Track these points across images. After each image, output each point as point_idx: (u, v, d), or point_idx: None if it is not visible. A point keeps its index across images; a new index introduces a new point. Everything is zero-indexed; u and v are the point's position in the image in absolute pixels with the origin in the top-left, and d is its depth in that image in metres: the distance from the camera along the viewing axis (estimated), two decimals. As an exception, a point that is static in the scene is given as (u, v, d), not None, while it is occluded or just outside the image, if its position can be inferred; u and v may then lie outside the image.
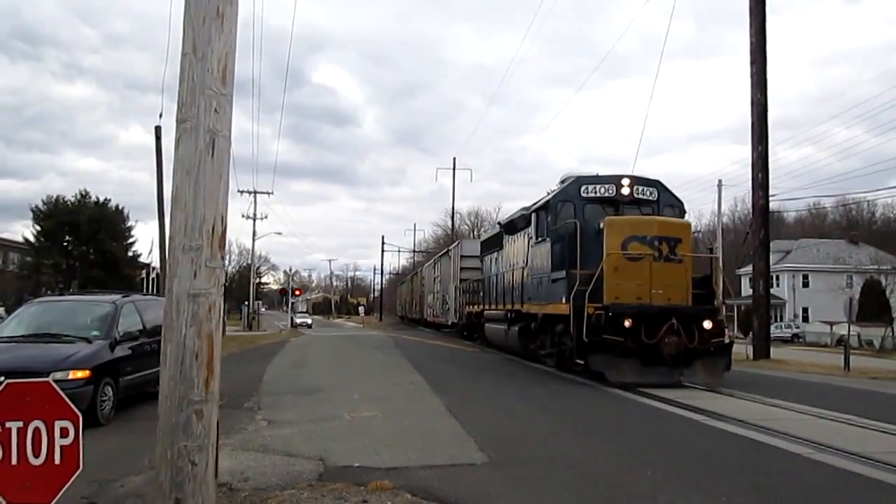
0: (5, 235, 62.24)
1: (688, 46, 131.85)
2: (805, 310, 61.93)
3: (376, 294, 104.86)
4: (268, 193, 53.91)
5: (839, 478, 6.84)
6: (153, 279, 45.79)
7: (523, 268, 18.64)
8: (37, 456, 3.48)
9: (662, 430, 9.51)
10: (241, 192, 51.55)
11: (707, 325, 13.83)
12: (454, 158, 62.25)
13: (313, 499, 5.76)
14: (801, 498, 6.29)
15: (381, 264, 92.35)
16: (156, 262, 42.02)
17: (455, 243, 36.25)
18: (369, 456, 7.37)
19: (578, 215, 15.33)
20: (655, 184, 16.33)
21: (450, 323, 35.76)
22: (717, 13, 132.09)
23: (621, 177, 15.97)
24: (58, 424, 3.51)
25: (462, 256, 32.69)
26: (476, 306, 27.21)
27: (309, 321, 66.45)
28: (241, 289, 69.79)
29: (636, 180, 16.04)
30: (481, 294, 26.04)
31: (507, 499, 5.96)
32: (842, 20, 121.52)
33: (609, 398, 12.60)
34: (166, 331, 3.33)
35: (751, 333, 26.02)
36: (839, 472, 7.04)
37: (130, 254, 55.19)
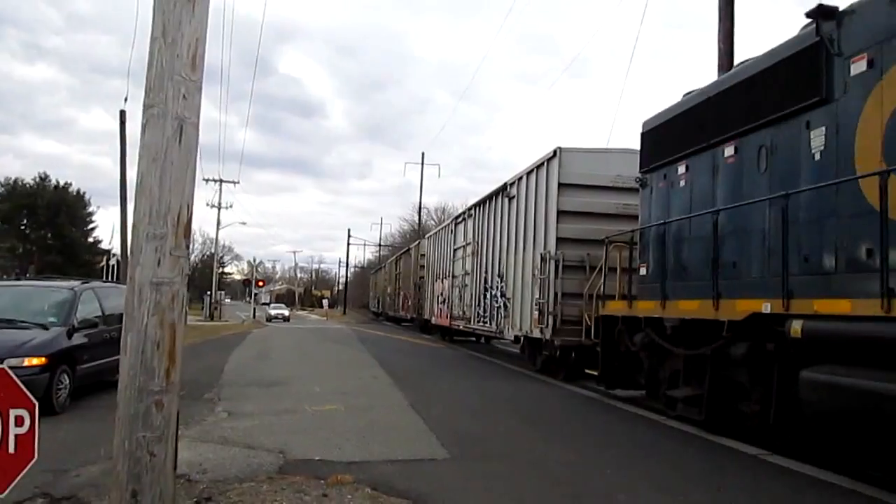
0: (-40, 218, 60.64)
1: (656, 48, 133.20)
2: None
3: (341, 287, 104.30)
4: (233, 182, 53.55)
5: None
6: (114, 266, 45.00)
7: None
8: (-10, 444, 3.40)
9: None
10: (207, 180, 51.02)
11: None
12: (423, 153, 62.00)
13: (273, 491, 5.72)
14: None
15: (347, 257, 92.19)
16: (117, 249, 41.33)
17: (547, 156, 14.90)
18: (330, 449, 7.34)
19: None
20: None
21: (513, 337, 17.32)
22: (687, 17, 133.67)
23: None
24: (13, 413, 3.43)
25: (563, 186, 14.26)
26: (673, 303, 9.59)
27: (286, 313, 61.34)
28: (204, 278, 68.98)
29: None
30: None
31: (467, 493, 5.98)
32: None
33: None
34: (127, 319, 3.28)
35: None
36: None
37: (91, 240, 54.37)
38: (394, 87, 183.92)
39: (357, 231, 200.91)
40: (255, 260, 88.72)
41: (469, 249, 22.16)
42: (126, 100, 27.38)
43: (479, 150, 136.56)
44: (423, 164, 60.95)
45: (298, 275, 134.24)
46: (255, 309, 59.27)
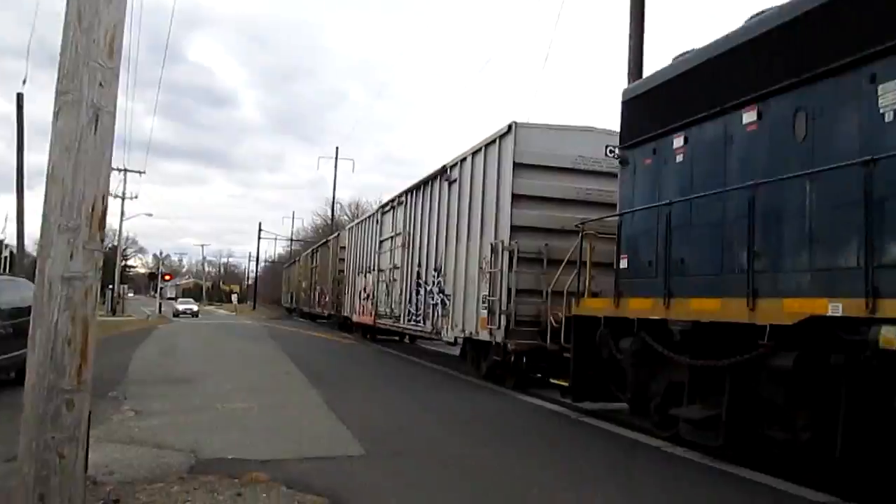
0: None
1: (570, 49, 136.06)
2: None
3: (251, 282, 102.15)
4: (139, 172, 51.47)
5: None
6: (7, 258, 42.67)
7: None
8: None
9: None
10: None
11: None
12: (336, 148, 61.41)
13: (184, 492, 5.56)
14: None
15: (258, 251, 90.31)
16: (11, 240, 39.22)
17: (499, 132, 13.22)
18: (243, 448, 7.19)
19: None
20: None
21: (453, 339, 15.59)
22: (602, 20, 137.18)
23: None
24: None
25: (518, 167, 12.72)
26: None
27: (194, 308, 59.48)
28: (106, 271, 66.04)
29: None
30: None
31: (383, 490, 5.97)
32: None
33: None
34: (36, 315, 3.12)
35: None
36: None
37: (-19, 229, 51.26)
38: (307, 79, 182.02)
39: (268, 225, 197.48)
40: (161, 253, 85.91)
41: (399, 241, 20.07)
42: (24, 82, 26.01)
43: (393, 147, 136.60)
44: (336, 158, 60.40)
45: (206, 269, 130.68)
46: (160, 304, 57.32)
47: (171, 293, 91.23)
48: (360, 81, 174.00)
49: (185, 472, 6.20)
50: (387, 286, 21.25)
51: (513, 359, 12.48)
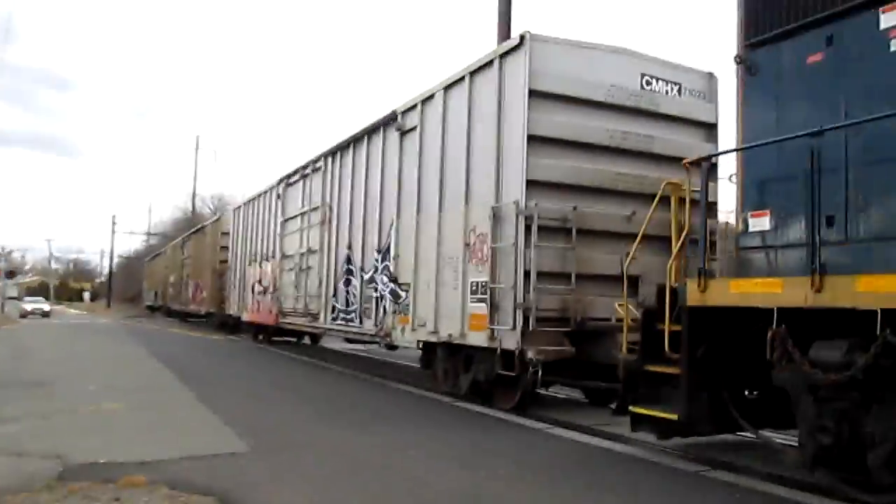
0: None
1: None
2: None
3: (104, 279, 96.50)
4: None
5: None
6: None
7: None
8: None
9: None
10: (-59, 158, 44.87)
11: None
12: (197, 137, 59.17)
13: (55, 500, 5.20)
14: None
15: (112, 245, 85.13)
16: None
17: (504, 49, 9.69)
18: (116, 451, 6.77)
19: None
20: None
21: (415, 343, 11.70)
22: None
23: None
24: None
25: (535, 96, 9.07)
26: None
27: (45, 307, 55.01)
28: (-63, 270, 60.41)
29: None
30: None
31: (273, 484, 5.79)
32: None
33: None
34: None
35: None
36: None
37: None
38: (161, 59, 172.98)
39: (123, 220, 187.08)
40: (4, 249, 79.36)
41: (315, 217, 16.12)
42: None
43: (261, 133, 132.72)
44: (197, 148, 58.22)
45: (53, 266, 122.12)
46: (3, 303, 53.04)
47: (12, 292, 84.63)
48: (224, 61, 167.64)
49: (54, 479, 5.78)
50: (296, 276, 17.41)
51: (540, 373, 8.74)
